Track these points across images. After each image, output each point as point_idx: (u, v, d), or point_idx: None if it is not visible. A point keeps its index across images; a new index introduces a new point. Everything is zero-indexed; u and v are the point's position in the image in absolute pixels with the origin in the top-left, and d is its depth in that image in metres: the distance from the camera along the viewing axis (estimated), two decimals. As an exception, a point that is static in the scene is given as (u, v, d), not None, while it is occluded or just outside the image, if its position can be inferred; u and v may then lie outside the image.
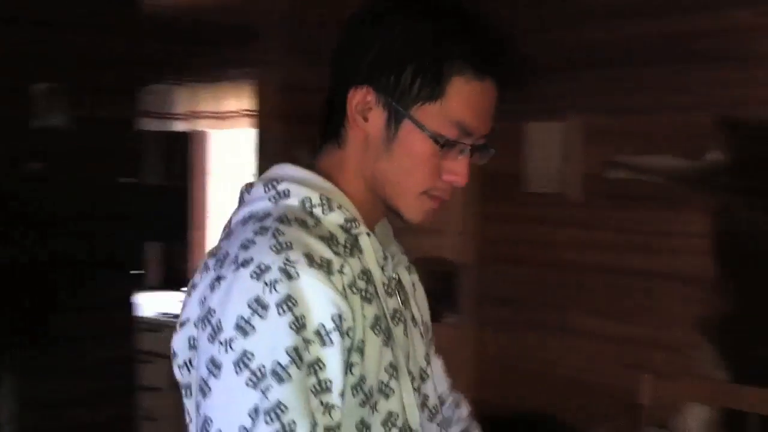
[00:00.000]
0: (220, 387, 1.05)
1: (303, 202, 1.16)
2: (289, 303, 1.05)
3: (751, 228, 3.13)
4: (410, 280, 1.34)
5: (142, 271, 5.29)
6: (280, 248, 1.08)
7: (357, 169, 1.20)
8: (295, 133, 3.68)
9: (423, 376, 1.26)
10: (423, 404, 1.25)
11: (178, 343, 1.17)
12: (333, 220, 1.16)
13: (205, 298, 1.11)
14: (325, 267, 1.09)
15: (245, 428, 1.02)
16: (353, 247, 1.17)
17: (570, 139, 3.56)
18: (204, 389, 1.07)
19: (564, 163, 3.59)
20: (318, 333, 1.06)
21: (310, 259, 1.08)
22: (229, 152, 5.48)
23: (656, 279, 3.39)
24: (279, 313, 1.04)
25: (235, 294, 1.07)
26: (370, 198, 1.21)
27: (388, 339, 1.16)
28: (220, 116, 5.11)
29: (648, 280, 3.41)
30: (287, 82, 3.71)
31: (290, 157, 1.24)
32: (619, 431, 3.02)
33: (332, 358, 1.07)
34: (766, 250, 3.09)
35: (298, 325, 1.05)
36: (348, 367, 1.10)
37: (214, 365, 1.06)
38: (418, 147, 1.16)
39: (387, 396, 1.15)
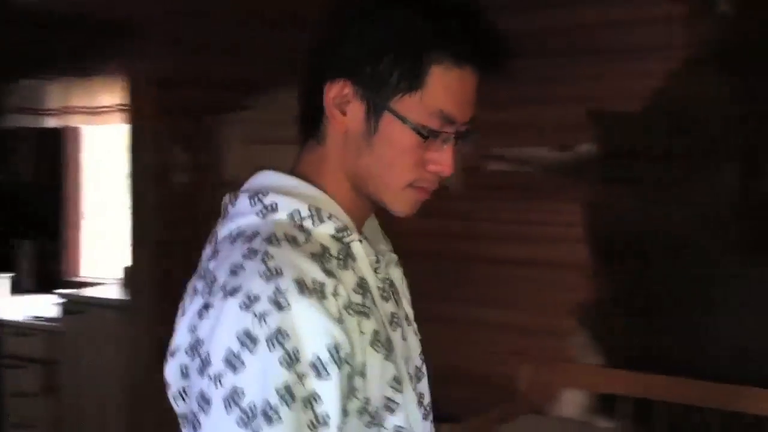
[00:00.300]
0: (209, 424, 1.01)
1: (292, 216, 1.11)
2: (279, 337, 1.00)
3: (621, 216, 3.24)
4: (399, 275, 1.29)
5: (13, 273, 5.11)
6: (270, 275, 1.03)
7: (339, 166, 1.16)
8: (170, 127, 3.61)
9: (419, 375, 1.24)
10: (419, 403, 1.21)
11: (170, 372, 1.12)
12: (324, 231, 1.12)
13: (194, 327, 1.06)
14: (318, 292, 1.04)
15: None
16: (347, 257, 1.13)
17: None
18: (195, 424, 1.03)
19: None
20: (314, 365, 1.01)
21: (301, 286, 1.03)
22: (102, 148, 5.32)
23: (535, 268, 3.46)
24: (269, 349, 1.00)
25: (224, 325, 1.02)
26: (355, 196, 1.17)
27: (389, 352, 1.12)
28: (93, 111, 4.96)
29: (528, 269, 3.48)
30: (161, 75, 3.61)
31: (291, 160, 1.21)
32: (497, 418, 3.08)
33: (329, 391, 1.02)
34: (636, 238, 3.21)
35: (290, 360, 1.00)
36: (350, 393, 1.06)
37: (204, 400, 1.02)
38: (400, 139, 1.13)
39: (392, 411, 1.12)
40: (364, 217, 1.21)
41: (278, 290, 1.01)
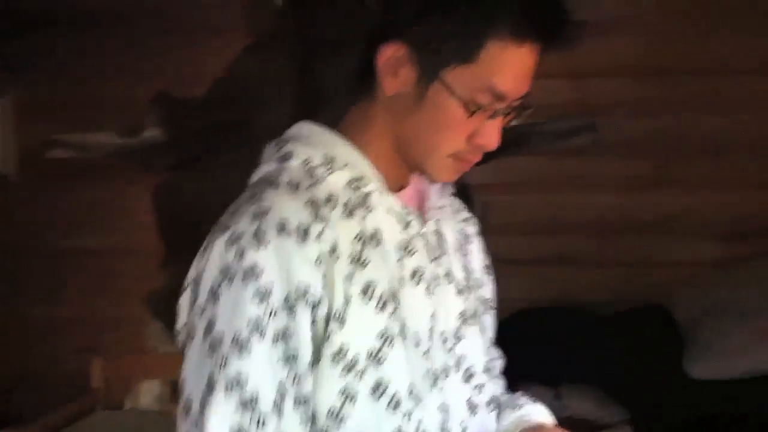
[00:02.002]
0: (191, 353, 1.07)
1: (304, 163, 1.14)
2: (255, 272, 1.04)
3: (191, 202, 3.23)
4: (463, 232, 1.31)
5: None
6: (256, 215, 1.07)
7: (384, 127, 1.16)
8: None
9: (458, 335, 1.20)
10: (457, 365, 1.19)
11: (180, 305, 1.15)
12: (337, 179, 1.13)
13: (196, 262, 1.12)
14: (299, 234, 1.06)
15: (206, 396, 1.03)
16: (357, 207, 1.13)
17: (3, 116, 3.34)
18: (184, 354, 1.08)
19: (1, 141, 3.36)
20: (286, 302, 1.04)
21: (282, 227, 1.06)
22: None
23: (106, 257, 3.35)
24: (243, 282, 1.04)
25: (211, 260, 1.08)
26: (393, 158, 1.17)
27: (386, 303, 1.11)
28: None
29: (97, 259, 3.36)
30: None
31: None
32: (66, 417, 2.92)
33: (299, 328, 1.05)
34: (205, 224, 3.20)
35: (262, 294, 1.04)
36: (325, 335, 1.07)
37: (190, 331, 1.08)
38: (447, 110, 1.10)
39: (379, 363, 1.09)
40: (401, 178, 1.19)
41: (260, 229, 1.05)
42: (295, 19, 3.15)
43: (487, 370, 1.26)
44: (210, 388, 1.03)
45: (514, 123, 1.17)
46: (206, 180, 3.20)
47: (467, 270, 1.27)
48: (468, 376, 1.21)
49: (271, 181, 1.12)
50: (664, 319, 2.89)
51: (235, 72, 3.19)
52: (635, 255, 3.04)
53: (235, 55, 3.19)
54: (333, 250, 1.08)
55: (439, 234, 1.23)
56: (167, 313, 3.22)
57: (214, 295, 1.06)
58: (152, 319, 3.27)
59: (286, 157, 1.15)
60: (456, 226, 1.30)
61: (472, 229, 1.34)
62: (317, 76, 3.16)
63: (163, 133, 3.23)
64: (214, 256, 1.07)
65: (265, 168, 1.17)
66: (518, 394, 1.34)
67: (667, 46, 2.98)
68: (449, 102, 1.10)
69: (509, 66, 1.09)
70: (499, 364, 1.39)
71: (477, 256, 1.33)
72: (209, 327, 1.05)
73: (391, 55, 1.11)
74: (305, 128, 1.18)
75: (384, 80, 1.13)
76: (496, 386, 1.32)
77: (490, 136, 1.13)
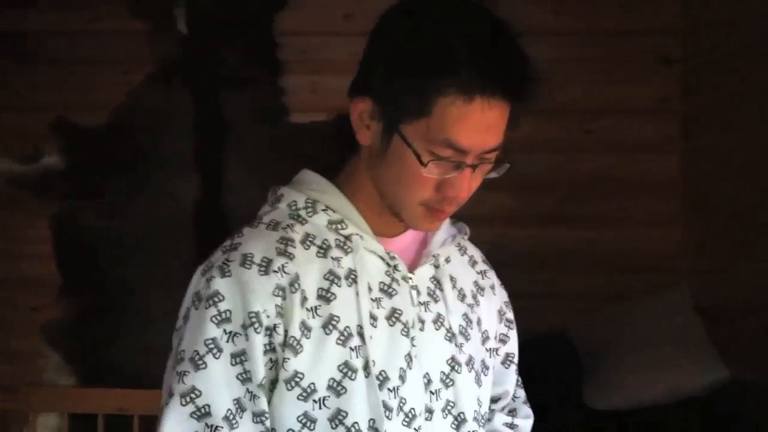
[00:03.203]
0: (167, 366, 1.18)
1: (290, 205, 1.23)
2: (216, 298, 1.15)
3: (87, 232, 3.18)
4: (477, 284, 1.34)
5: None
6: (227, 249, 1.20)
7: (367, 176, 1.22)
8: None
9: (447, 382, 1.24)
10: (445, 410, 1.23)
11: None
12: (318, 221, 1.21)
13: None
14: (260, 267, 1.16)
15: (165, 404, 1.14)
16: (336, 248, 1.20)
17: None
18: None
19: None
20: (243, 326, 1.14)
21: (245, 259, 1.16)
22: None
23: (5, 287, 3.26)
24: (206, 307, 1.15)
25: (190, 287, 1.21)
26: (380, 205, 1.22)
27: (348, 338, 1.17)
28: None
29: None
30: None
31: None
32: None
33: (254, 351, 1.14)
34: (99, 251, 3.17)
35: (220, 318, 1.14)
36: (278, 361, 1.15)
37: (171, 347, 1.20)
38: (406, 162, 1.15)
39: (338, 394, 1.16)
40: (394, 225, 1.24)
41: (226, 261, 1.17)
42: (198, 50, 3.15)
43: (480, 418, 1.29)
44: (169, 397, 1.15)
45: (493, 176, 1.20)
46: (104, 209, 3.17)
47: (469, 320, 1.30)
48: (459, 423, 1.25)
49: (255, 221, 1.24)
50: (567, 349, 2.97)
51: (136, 101, 3.17)
52: (534, 286, 3.13)
53: (137, 83, 3.17)
54: (292, 283, 1.16)
55: (436, 281, 1.27)
56: (64, 345, 3.18)
57: (185, 317, 1.19)
58: (49, 351, 3.21)
59: (277, 200, 1.25)
60: (469, 276, 1.34)
61: (487, 282, 1.38)
62: (221, 107, 3.17)
63: (62, 160, 3.18)
64: (192, 283, 1.20)
65: (262, 210, 1.27)
66: None
67: (560, 88, 3.07)
68: (408, 154, 1.14)
69: (463, 120, 1.11)
70: (524, 424, 1.46)
71: (490, 309, 1.36)
72: (178, 345, 1.17)
73: (361, 108, 1.18)
74: (302, 175, 1.28)
75: (358, 131, 1.20)
76: None
77: (458, 187, 1.15)
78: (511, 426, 1.44)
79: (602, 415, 2.75)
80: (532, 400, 1.49)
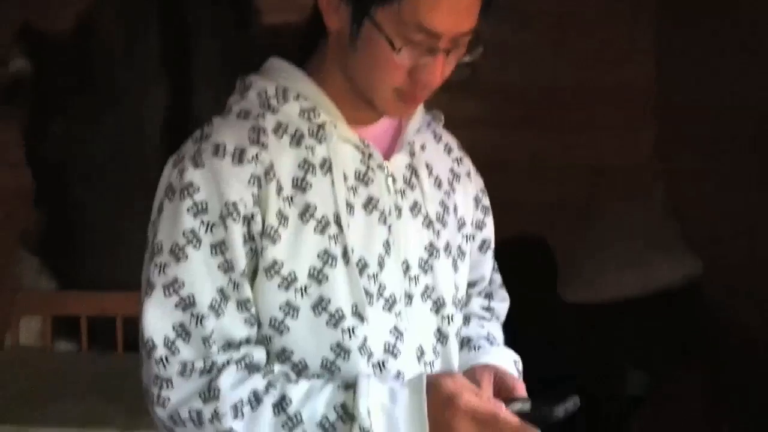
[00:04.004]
0: (144, 261, 1.18)
1: (259, 94, 1.21)
2: (190, 189, 1.14)
3: (58, 141, 3.17)
4: (452, 171, 1.33)
5: None
6: (198, 139, 1.18)
7: (336, 62, 1.19)
8: None
9: (424, 267, 1.24)
10: (425, 294, 1.24)
11: None
12: (290, 110, 1.19)
13: None
14: (234, 156, 1.14)
15: (144, 297, 1.14)
16: (309, 136, 1.19)
17: None
18: None
19: None
20: (221, 217, 1.13)
21: (217, 149, 1.14)
22: None
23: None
24: (181, 198, 1.14)
25: (161, 180, 1.19)
26: (349, 91, 1.19)
27: (326, 226, 1.17)
28: None
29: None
30: None
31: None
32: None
33: (233, 240, 1.13)
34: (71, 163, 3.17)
35: (197, 209, 1.13)
36: (257, 250, 1.15)
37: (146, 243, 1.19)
38: (378, 48, 1.12)
39: (320, 282, 1.16)
40: (366, 112, 1.22)
41: (198, 151, 1.15)
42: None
43: (457, 302, 1.30)
44: (149, 290, 1.14)
45: (466, 59, 1.17)
46: (74, 119, 3.15)
47: (445, 206, 1.30)
48: (438, 307, 1.26)
49: (224, 111, 1.22)
50: (541, 251, 3.05)
51: (101, 6, 3.11)
52: (507, 192, 3.18)
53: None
54: (267, 172, 1.15)
55: (412, 169, 1.27)
56: (42, 250, 3.20)
57: (159, 210, 1.17)
58: (28, 256, 3.22)
59: (246, 89, 1.23)
60: (445, 164, 1.34)
61: (462, 168, 1.37)
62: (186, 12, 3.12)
63: (30, 65, 3.13)
64: (164, 176, 1.19)
65: (231, 98, 1.24)
66: (486, 335, 1.39)
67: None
68: (379, 39, 1.11)
69: (435, 2, 1.09)
70: (500, 307, 1.47)
71: (466, 196, 1.36)
72: (154, 237, 1.16)
73: None
74: (271, 63, 1.24)
75: (326, 15, 1.16)
76: (481, 322, 1.41)
77: (430, 73, 1.13)
78: (487, 309, 1.46)
79: (578, 309, 2.85)
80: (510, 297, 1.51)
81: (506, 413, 1.08)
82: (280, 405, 1.12)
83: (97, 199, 3.18)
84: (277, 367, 1.16)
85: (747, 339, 2.36)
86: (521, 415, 1.09)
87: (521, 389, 1.19)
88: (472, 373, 1.23)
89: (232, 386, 1.12)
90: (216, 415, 1.11)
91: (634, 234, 2.91)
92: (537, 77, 3.18)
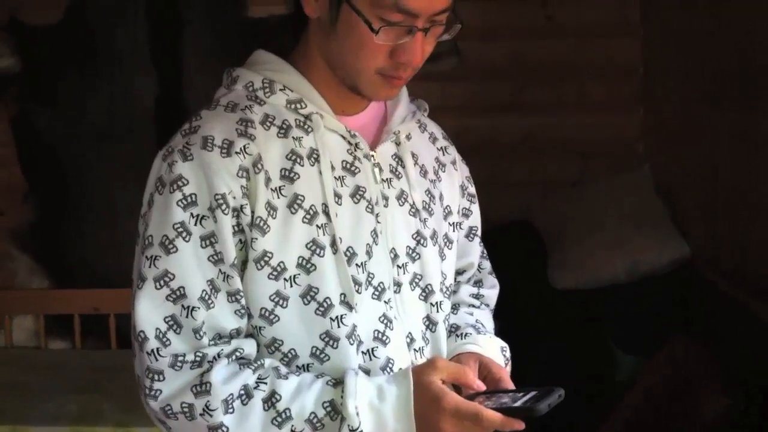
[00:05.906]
0: (135, 254, 1.19)
1: (247, 87, 1.22)
2: (180, 182, 1.15)
3: (48, 133, 3.16)
4: (438, 160, 1.35)
5: None
6: (186, 132, 1.18)
7: (318, 50, 1.21)
8: None
9: (413, 255, 1.26)
10: (413, 282, 1.25)
11: None
12: (277, 101, 1.21)
13: None
14: (222, 148, 1.15)
15: (136, 290, 1.15)
16: (296, 127, 1.20)
17: None
18: None
19: None
20: (210, 209, 1.14)
21: (206, 142, 1.15)
22: None
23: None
24: (170, 191, 1.15)
25: (151, 173, 1.20)
26: (332, 79, 1.21)
27: (314, 216, 1.18)
28: None
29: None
30: None
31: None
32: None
33: (223, 232, 1.14)
34: (62, 155, 3.15)
35: (186, 202, 1.14)
36: (247, 241, 1.16)
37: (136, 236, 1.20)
38: (357, 31, 1.13)
39: (308, 271, 1.17)
40: (351, 102, 1.24)
41: (187, 144, 1.16)
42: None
43: (445, 290, 1.32)
44: (140, 283, 1.15)
45: (446, 37, 1.19)
46: (63, 109, 3.13)
47: (431, 195, 1.32)
48: (426, 295, 1.28)
49: (211, 104, 1.22)
50: (530, 235, 3.04)
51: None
52: (495, 174, 3.18)
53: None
54: (255, 164, 1.16)
55: (398, 158, 1.28)
56: (34, 248, 3.19)
57: (149, 203, 1.18)
58: (19, 254, 3.22)
59: (233, 81, 1.24)
60: (430, 153, 1.36)
61: (447, 158, 1.39)
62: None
63: (17, 61, 3.12)
64: (153, 169, 1.20)
65: (218, 92, 1.25)
66: (474, 323, 1.40)
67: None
68: (357, 22, 1.13)
69: None
70: (489, 293, 1.48)
71: (452, 184, 1.38)
72: (145, 230, 1.17)
73: None
74: (257, 55, 1.26)
75: (306, 5, 1.18)
76: (469, 311, 1.42)
77: (411, 52, 1.14)
78: (477, 296, 1.47)
79: (566, 294, 2.85)
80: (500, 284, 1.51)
81: (489, 411, 1.09)
82: (270, 401, 1.13)
83: (88, 194, 3.18)
84: (267, 362, 1.17)
85: (740, 316, 2.36)
86: (505, 410, 1.09)
87: (506, 379, 1.21)
88: (458, 362, 1.24)
89: (224, 381, 1.13)
90: (207, 410, 1.12)
91: (623, 217, 2.90)
92: (525, 58, 3.17)
